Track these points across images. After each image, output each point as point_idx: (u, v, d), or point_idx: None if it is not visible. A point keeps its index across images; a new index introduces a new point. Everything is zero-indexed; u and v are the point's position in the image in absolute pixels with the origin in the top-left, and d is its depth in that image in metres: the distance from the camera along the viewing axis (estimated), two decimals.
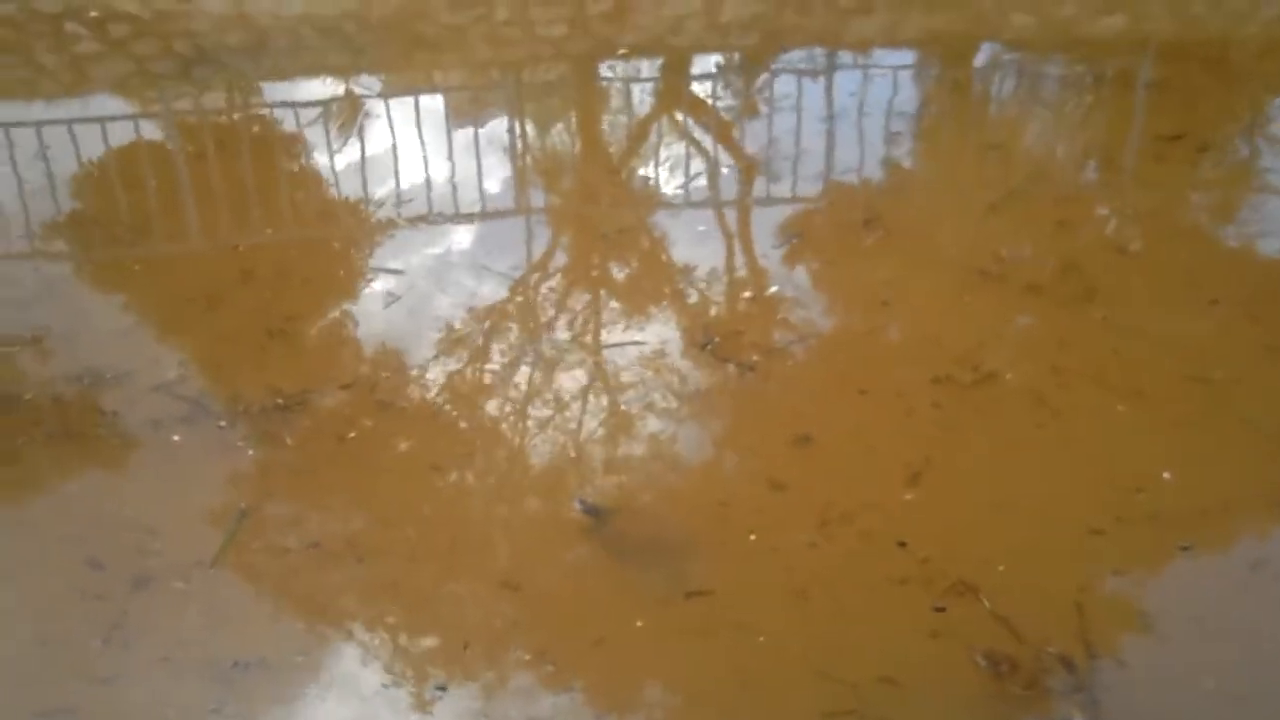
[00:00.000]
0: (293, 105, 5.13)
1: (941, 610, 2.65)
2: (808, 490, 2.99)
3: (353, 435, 3.22)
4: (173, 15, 5.79)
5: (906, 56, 5.63)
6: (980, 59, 5.67)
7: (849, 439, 3.16)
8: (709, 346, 3.52)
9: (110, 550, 2.87)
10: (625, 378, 3.42)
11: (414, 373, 3.46)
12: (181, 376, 3.43)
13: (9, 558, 2.89)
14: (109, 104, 5.25)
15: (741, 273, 3.96)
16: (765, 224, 4.22)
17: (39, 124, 4.86)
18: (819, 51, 5.58)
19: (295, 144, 4.88)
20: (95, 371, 3.44)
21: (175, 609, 2.73)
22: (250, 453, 3.16)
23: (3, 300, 3.81)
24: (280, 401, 3.32)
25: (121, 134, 4.90)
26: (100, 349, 3.54)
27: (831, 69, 5.45)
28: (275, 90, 5.39)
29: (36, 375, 3.45)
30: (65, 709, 2.51)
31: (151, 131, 5.01)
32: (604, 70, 5.63)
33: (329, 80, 5.41)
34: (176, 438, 3.22)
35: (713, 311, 3.74)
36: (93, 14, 5.81)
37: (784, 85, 5.27)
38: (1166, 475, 2.98)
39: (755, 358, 3.46)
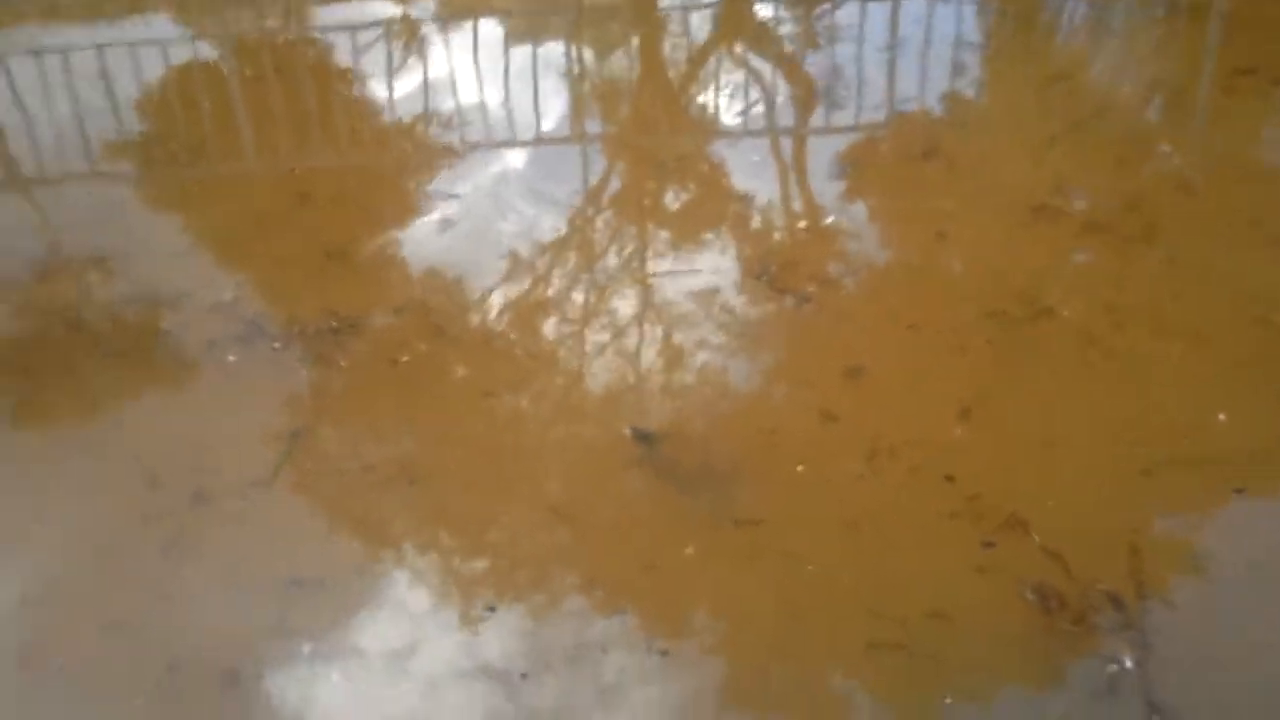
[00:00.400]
0: (351, 28, 5.11)
1: (991, 545, 2.64)
2: (858, 422, 2.98)
3: (406, 359, 3.25)
4: None
5: None
6: None
7: (901, 372, 3.14)
8: (764, 277, 3.50)
9: (168, 468, 2.92)
10: (679, 306, 3.41)
11: (468, 298, 3.47)
12: (237, 298, 3.47)
13: (71, 475, 2.95)
14: (168, 27, 5.26)
15: (799, 203, 3.93)
16: (824, 154, 4.17)
17: (99, 46, 4.89)
18: None
19: (353, 67, 4.88)
20: (153, 292, 3.49)
21: (232, 527, 2.78)
22: (304, 374, 3.19)
23: (64, 222, 3.85)
24: (334, 324, 3.35)
25: (180, 56, 4.92)
26: (158, 270, 3.58)
27: None
28: (333, 13, 5.38)
29: (96, 296, 3.50)
30: (126, 622, 2.57)
31: (210, 54, 5.02)
32: None
33: (387, 3, 5.39)
34: (232, 358, 3.26)
35: (769, 241, 3.72)
36: None
37: (847, 13, 5.19)
38: (1222, 417, 2.94)
39: (811, 289, 3.44)
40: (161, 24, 5.26)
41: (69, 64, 4.78)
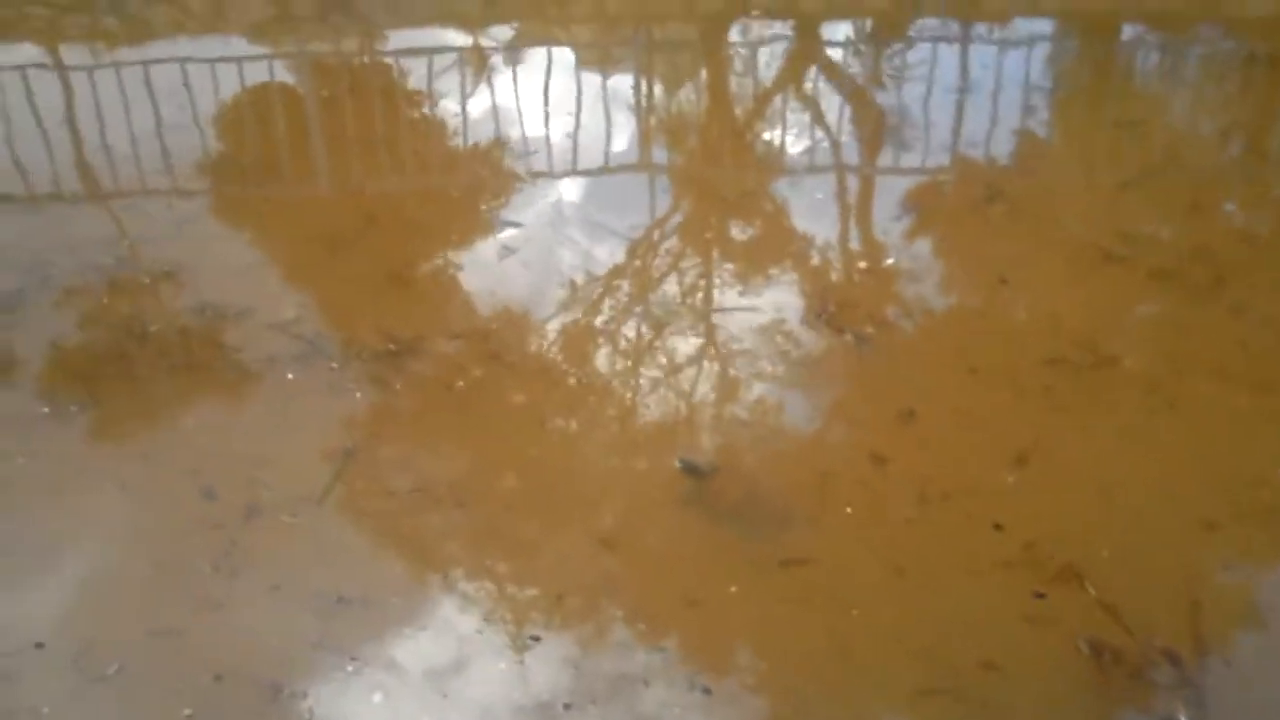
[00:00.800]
0: (426, 53, 5.18)
1: (1043, 596, 2.60)
2: (910, 466, 2.95)
3: (461, 385, 3.26)
4: None
5: (1046, 28, 5.48)
6: (1123, 33, 5.50)
7: (956, 417, 3.11)
8: (823, 315, 3.49)
9: (223, 481, 2.95)
10: (736, 342, 3.41)
11: (525, 326, 3.49)
12: (299, 317, 3.51)
13: (129, 483, 2.99)
14: (246, 46, 5.36)
15: (860, 243, 3.91)
16: (888, 194, 4.16)
17: (182, 60, 4.99)
18: (955, 20, 5.47)
19: (424, 92, 4.93)
20: (217, 307, 3.53)
21: (283, 542, 2.80)
22: (360, 395, 3.22)
23: (136, 235, 3.92)
24: (392, 347, 3.37)
25: (256, 76, 5.00)
26: (224, 286, 3.62)
27: (967, 39, 5.33)
28: (407, 38, 5.45)
29: (163, 309, 3.55)
30: (176, 630, 2.59)
31: (286, 75, 5.10)
32: (735, 30, 5.58)
33: (460, 29, 5.45)
34: (290, 376, 3.29)
35: (829, 280, 3.70)
36: None
37: (917, 54, 5.18)
38: None
39: (869, 329, 3.43)
40: (239, 44, 5.35)
41: (150, 78, 4.87)
